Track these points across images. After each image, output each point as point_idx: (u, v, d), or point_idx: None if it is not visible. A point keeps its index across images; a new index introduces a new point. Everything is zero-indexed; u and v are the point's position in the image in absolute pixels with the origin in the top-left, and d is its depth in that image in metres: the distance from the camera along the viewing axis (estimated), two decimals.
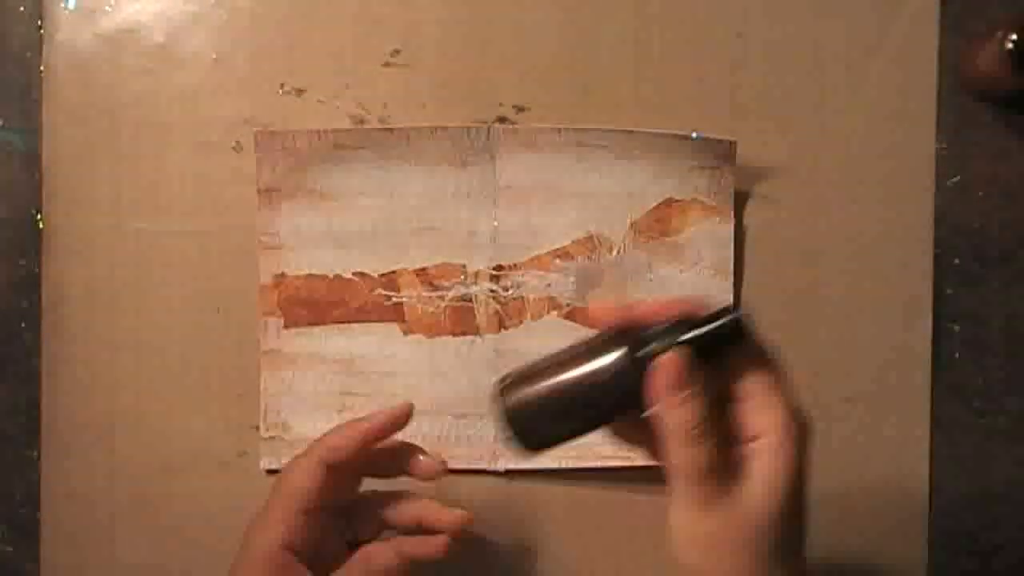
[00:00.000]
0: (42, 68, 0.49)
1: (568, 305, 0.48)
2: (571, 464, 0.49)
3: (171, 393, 0.49)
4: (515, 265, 0.48)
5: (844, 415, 0.49)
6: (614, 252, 0.48)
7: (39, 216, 0.49)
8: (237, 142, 0.49)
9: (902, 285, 0.49)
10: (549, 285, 0.48)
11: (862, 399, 0.49)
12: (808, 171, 0.49)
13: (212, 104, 0.49)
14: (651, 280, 0.48)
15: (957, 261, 0.50)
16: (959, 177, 0.50)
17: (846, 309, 0.49)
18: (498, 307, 0.48)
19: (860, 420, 0.49)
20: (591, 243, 0.48)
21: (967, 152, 0.50)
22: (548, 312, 0.48)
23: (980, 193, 0.50)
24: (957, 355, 0.50)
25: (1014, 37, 0.44)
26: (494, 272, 0.48)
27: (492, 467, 0.49)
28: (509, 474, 0.49)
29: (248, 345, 0.49)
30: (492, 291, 0.48)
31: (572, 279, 0.48)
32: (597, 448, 0.49)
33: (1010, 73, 0.45)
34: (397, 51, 0.49)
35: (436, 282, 0.48)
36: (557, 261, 0.48)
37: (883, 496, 0.49)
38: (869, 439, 0.49)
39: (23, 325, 0.49)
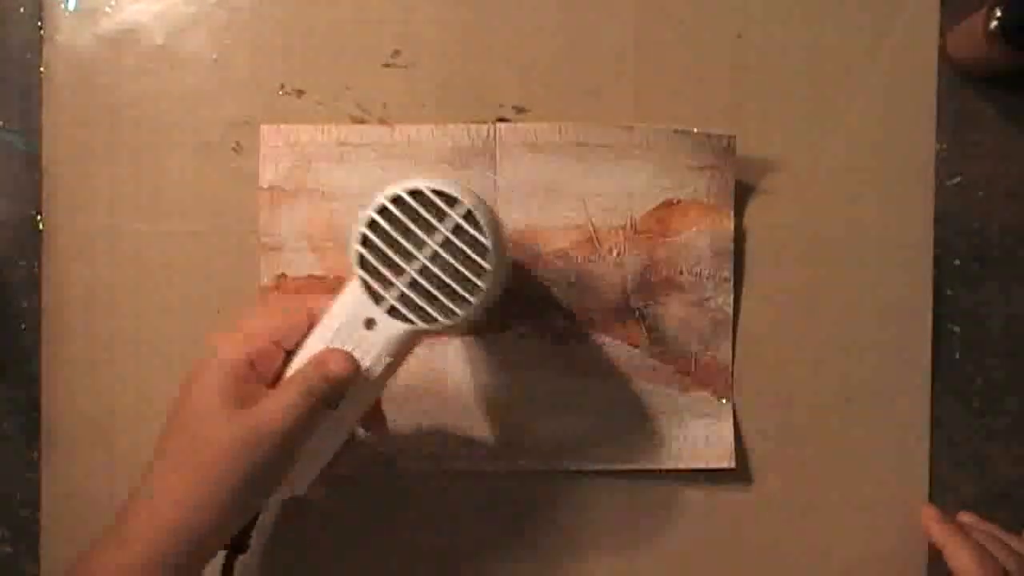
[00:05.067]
0: (42, 69, 0.49)
1: (568, 306, 0.48)
2: (572, 467, 0.49)
3: (171, 393, 0.49)
4: (515, 265, 0.48)
5: (844, 415, 0.49)
6: (614, 252, 0.48)
7: (39, 217, 0.49)
8: (237, 142, 0.49)
9: (902, 285, 0.49)
10: (548, 285, 0.48)
11: (862, 399, 0.49)
12: (808, 171, 0.49)
13: (212, 104, 0.49)
14: (651, 281, 0.48)
15: (957, 261, 0.50)
16: (959, 177, 0.50)
17: (846, 309, 0.49)
18: (498, 308, 0.48)
19: (860, 420, 0.49)
20: (591, 244, 0.48)
21: (967, 152, 0.50)
22: (548, 312, 0.48)
23: (980, 193, 0.50)
24: (957, 355, 0.50)
25: (999, 13, 0.44)
26: None
27: (493, 468, 0.49)
28: (510, 474, 0.49)
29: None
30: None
31: (572, 279, 0.48)
32: (597, 451, 0.49)
33: (995, 50, 0.45)
34: (397, 51, 0.49)
35: None
36: (557, 261, 0.48)
37: (883, 496, 0.49)
38: (869, 439, 0.49)
39: (23, 325, 0.49)
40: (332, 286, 0.48)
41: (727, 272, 0.49)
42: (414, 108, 0.49)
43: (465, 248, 0.37)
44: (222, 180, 0.49)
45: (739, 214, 0.49)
